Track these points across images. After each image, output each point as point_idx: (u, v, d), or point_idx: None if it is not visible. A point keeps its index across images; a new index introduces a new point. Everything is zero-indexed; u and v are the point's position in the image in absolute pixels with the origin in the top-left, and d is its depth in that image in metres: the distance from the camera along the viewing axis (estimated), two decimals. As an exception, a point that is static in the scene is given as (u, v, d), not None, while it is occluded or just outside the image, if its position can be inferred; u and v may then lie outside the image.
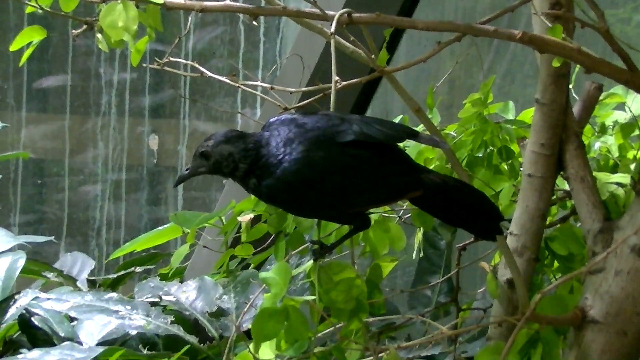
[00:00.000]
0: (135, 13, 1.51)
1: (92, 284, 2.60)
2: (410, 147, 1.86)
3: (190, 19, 1.94)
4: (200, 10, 1.54)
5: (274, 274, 1.41)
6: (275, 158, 1.50)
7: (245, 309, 1.75)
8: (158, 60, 1.84)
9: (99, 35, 1.58)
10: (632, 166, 1.79)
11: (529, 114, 1.86)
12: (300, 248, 1.77)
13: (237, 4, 1.57)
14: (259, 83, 1.85)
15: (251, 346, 1.41)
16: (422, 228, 1.89)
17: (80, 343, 2.17)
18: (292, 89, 1.78)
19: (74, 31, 1.61)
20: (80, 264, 2.67)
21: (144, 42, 1.60)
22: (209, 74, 1.85)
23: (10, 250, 2.45)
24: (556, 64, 1.56)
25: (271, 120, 1.56)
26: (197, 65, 1.86)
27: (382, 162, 1.51)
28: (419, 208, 1.62)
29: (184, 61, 1.90)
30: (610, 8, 2.87)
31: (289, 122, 1.53)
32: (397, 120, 1.97)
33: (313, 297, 1.47)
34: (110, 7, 1.52)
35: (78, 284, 2.56)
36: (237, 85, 1.83)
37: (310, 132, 1.50)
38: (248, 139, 1.54)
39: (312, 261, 1.55)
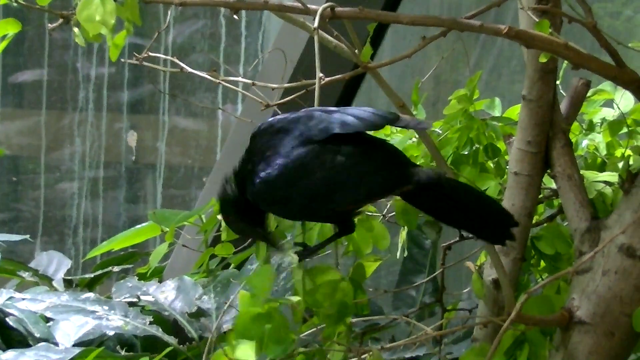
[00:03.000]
0: (112, 6, 1.51)
1: (68, 283, 2.59)
2: (395, 143, 1.86)
3: (169, 12, 1.93)
4: (180, 3, 1.54)
5: (257, 277, 1.40)
6: (261, 164, 1.51)
7: (225, 309, 1.74)
8: (137, 54, 1.84)
9: (75, 30, 1.57)
10: (620, 164, 1.79)
11: (515, 111, 1.86)
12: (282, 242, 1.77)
13: (218, -3, 1.56)
14: (240, 79, 1.84)
15: (226, 348, 1.41)
16: (406, 227, 1.89)
17: (56, 344, 2.16)
18: (275, 85, 1.77)
19: (49, 25, 1.60)
20: (56, 263, 2.66)
21: (122, 36, 1.60)
22: (189, 69, 1.85)
23: (-16, 249, 2.45)
24: (543, 59, 1.56)
25: (258, 126, 1.57)
26: (176, 61, 1.86)
27: (367, 156, 1.51)
28: (413, 206, 1.61)
29: (164, 56, 1.89)
30: (600, 1, 2.88)
31: (271, 126, 1.54)
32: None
33: (297, 298, 1.47)
34: (87, 0, 1.51)
35: (54, 283, 2.56)
36: (217, 81, 1.82)
37: (291, 133, 1.51)
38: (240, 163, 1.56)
39: (295, 263, 1.55)
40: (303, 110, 1.55)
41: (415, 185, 1.51)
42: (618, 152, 1.84)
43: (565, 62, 1.71)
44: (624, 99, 1.86)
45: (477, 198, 1.56)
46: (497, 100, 1.92)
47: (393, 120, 1.53)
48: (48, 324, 2.23)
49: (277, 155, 1.50)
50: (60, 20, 1.59)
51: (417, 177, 1.51)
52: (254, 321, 1.40)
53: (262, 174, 1.50)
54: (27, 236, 2.76)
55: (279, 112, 1.79)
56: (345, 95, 2.65)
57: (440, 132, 1.87)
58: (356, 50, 1.57)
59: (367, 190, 1.51)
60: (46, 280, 2.55)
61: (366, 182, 1.50)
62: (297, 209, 1.52)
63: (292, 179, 1.49)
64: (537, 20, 1.52)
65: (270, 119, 1.56)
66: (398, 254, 1.96)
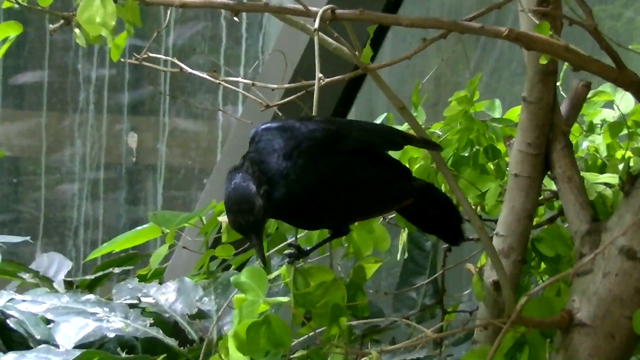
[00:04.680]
0: (113, 8, 1.51)
1: (69, 285, 2.59)
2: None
3: (170, 14, 1.93)
4: (180, 5, 1.53)
5: (246, 278, 1.39)
6: (279, 172, 1.44)
7: (224, 311, 1.74)
8: (137, 55, 1.84)
9: (76, 31, 1.57)
10: (621, 166, 1.79)
11: (515, 112, 1.86)
12: (280, 246, 1.78)
13: (218, -1, 1.56)
14: (240, 79, 1.84)
15: (220, 350, 1.41)
16: (406, 229, 1.89)
17: (57, 346, 2.16)
18: (274, 86, 1.77)
19: (50, 26, 1.60)
20: (57, 265, 2.66)
21: (123, 37, 1.60)
22: (189, 70, 1.85)
23: (-16, 250, 2.45)
24: (543, 61, 1.56)
25: (260, 129, 1.51)
26: (176, 61, 1.86)
27: (382, 169, 1.51)
28: (401, 215, 1.62)
29: (164, 57, 1.89)
30: (600, 4, 2.88)
31: (283, 131, 1.48)
32: (381, 117, 1.98)
33: (288, 299, 1.46)
34: (87, 2, 1.51)
35: (55, 285, 2.55)
36: (218, 81, 1.82)
37: (308, 142, 1.46)
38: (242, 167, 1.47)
39: (286, 264, 1.54)
40: (318, 118, 1.53)
41: (416, 197, 1.53)
42: (618, 154, 1.84)
43: (566, 64, 1.72)
44: (624, 101, 1.86)
45: (444, 198, 1.59)
46: (498, 101, 1.92)
47: (409, 141, 1.55)
48: (48, 326, 2.23)
49: (306, 163, 1.44)
50: (61, 22, 1.59)
51: (417, 189, 1.53)
52: (250, 331, 1.38)
53: (292, 181, 1.44)
54: (28, 238, 2.76)
55: (279, 113, 1.79)
56: (345, 97, 2.65)
57: (441, 133, 1.87)
58: (356, 52, 1.57)
59: (382, 203, 1.52)
60: (47, 281, 2.55)
61: (383, 194, 1.51)
62: (316, 218, 1.50)
63: (323, 189, 1.46)
64: (537, 22, 1.52)
65: (278, 122, 1.52)
66: (398, 255, 1.96)
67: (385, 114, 2.00)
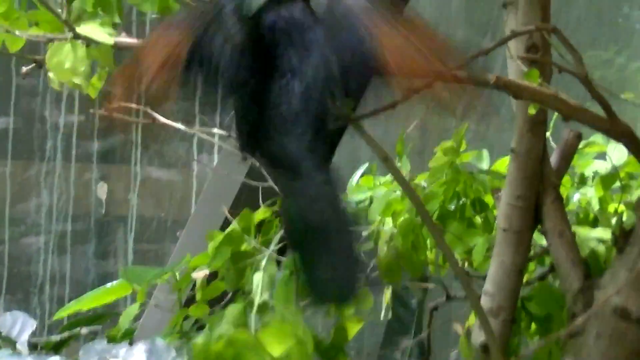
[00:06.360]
0: (83, 53, 1.52)
1: (33, 346, 2.57)
2: (379, 197, 1.87)
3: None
4: (154, 55, 1.54)
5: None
6: None
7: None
8: (109, 104, 1.84)
9: (50, 75, 1.58)
10: (614, 220, 1.80)
11: (504, 164, 1.87)
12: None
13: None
14: (216, 130, 1.85)
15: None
16: (390, 286, 1.89)
17: (20, 412, 2.15)
18: (252, 137, 1.78)
19: (24, 68, 1.61)
20: (20, 324, 2.64)
21: (100, 76, 1.60)
22: (163, 119, 1.86)
23: (-57, 309, 2.43)
24: (532, 111, 1.58)
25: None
26: (149, 111, 1.86)
27: None
28: None
29: (135, 106, 1.90)
30: (592, 49, 2.91)
31: None
32: (363, 167, 1.99)
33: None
34: (57, 46, 1.52)
35: (18, 346, 2.53)
36: (192, 132, 1.83)
37: None
38: None
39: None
40: None
41: None
42: (611, 207, 1.85)
43: (556, 112, 1.73)
44: (617, 152, 1.87)
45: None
46: (485, 152, 1.93)
47: None
48: (11, 390, 2.21)
49: None
50: (33, 65, 1.59)
51: None
52: None
53: None
54: (-10, 295, 2.74)
55: (257, 164, 1.80)
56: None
57: (426, 185, 1.88)
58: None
59: None
60: (10, 342, 2.53)
61: None
62: None
63: None
64: (526, 69, 1.53)
65: None
66: (382, 314, 1.96)
67: (367, 163, 2.01)
